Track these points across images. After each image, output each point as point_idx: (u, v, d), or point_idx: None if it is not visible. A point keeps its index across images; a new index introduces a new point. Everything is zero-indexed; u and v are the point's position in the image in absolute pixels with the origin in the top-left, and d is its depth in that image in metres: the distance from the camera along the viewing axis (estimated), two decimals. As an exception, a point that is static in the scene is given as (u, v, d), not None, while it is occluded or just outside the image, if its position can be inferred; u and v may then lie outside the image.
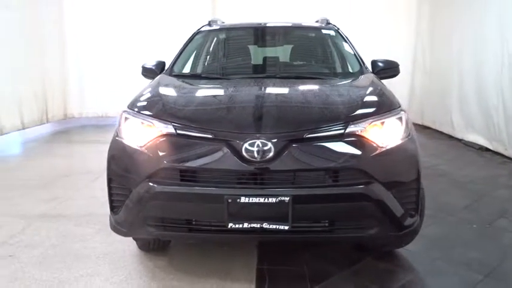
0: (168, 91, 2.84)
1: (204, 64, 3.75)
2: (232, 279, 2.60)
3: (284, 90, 2.89)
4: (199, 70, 3.62)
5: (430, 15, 7.83)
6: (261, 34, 4.00)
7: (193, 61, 3.70)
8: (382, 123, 2.32)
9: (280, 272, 2.71)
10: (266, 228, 2.15)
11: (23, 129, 7.14)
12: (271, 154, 2.11)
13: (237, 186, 2.15)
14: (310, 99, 2.66)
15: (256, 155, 2.11)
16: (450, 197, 4.20)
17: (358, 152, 2.18)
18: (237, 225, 2.15)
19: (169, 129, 2.28)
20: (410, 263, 2.86)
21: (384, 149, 2.23)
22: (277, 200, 2.07)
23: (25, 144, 6.93)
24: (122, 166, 2.36)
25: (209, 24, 4.10)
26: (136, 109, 2.51)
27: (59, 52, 8.11)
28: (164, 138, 2.27)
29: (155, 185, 2.20)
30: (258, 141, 2.12)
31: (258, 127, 2.22)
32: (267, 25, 3.99)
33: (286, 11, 8.07)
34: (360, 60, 3.44)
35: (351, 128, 2.22)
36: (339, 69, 3.57)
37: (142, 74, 3.60)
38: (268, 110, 2.45)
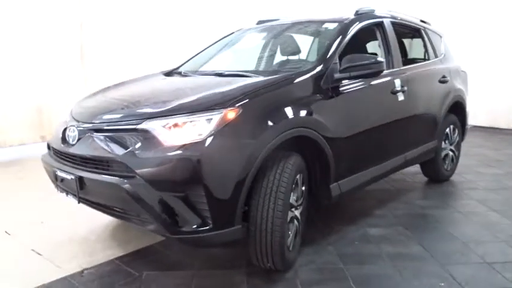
0: (113, 87, 3.26)
1: (200, 62, 3.72)
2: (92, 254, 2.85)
3: (174, 86, 3.05)
4: (190, 67, 3.64)
5: None
6: (266, 34, 3.86)
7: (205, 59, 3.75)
8: (184, 122, 2.24)
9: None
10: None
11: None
12: (76, 139, 2.52)
13: (59, 161, 2.64)
14: (156, 96, 2.76)
15: (68, 138, 2.58)
16: (486, 235, 2.99)
17: (132, 147, 2.23)
18: (62, 193, 2.67)
19: (66, 116, 2.85)
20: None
21: (164, 148, 2.16)
22: (70, 177, 2.47)
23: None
24: None
25: (258, 23, 4.07)
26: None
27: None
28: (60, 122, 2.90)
29: (45, 153, 2.93)
30: (71, 128, 2.57)
31: (77, 116, 2.64)
32: (272, 24, 3.85)
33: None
34: (327, 57, 2.87)
35: (144, 125, 2.27)
36: (285, 67, 3.21)
37: None
38: (109, 103, 2.74)
